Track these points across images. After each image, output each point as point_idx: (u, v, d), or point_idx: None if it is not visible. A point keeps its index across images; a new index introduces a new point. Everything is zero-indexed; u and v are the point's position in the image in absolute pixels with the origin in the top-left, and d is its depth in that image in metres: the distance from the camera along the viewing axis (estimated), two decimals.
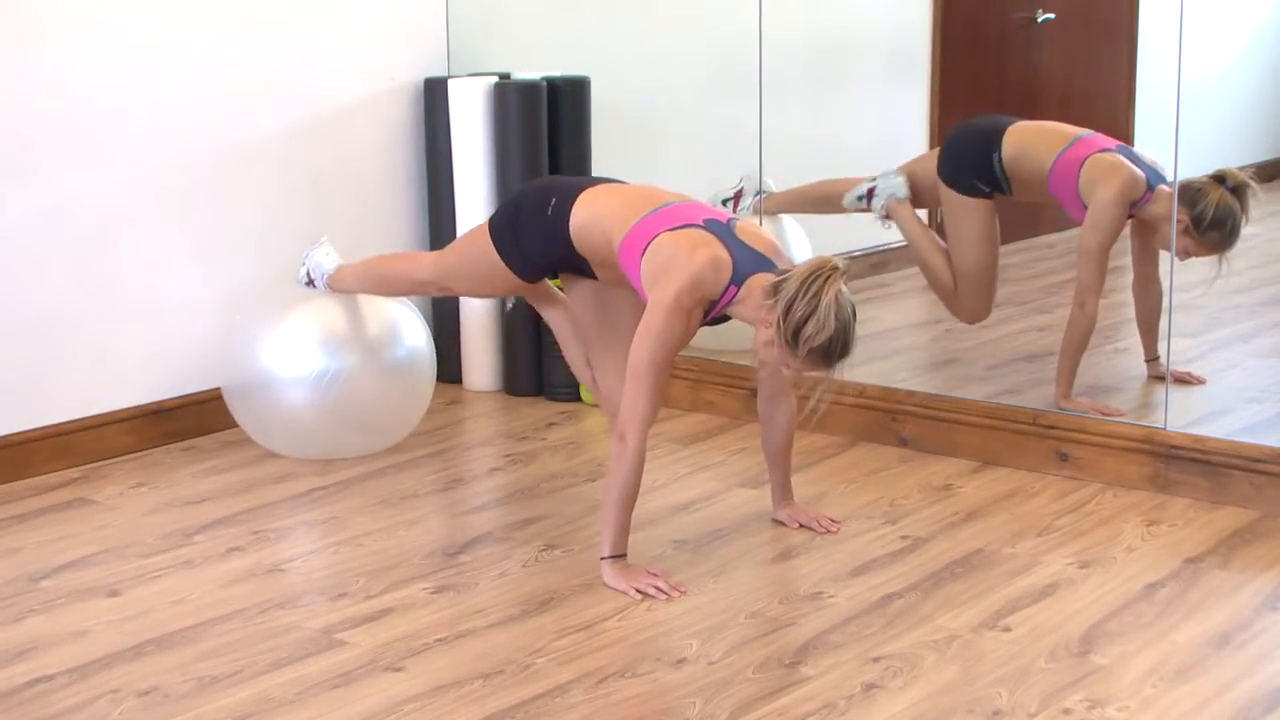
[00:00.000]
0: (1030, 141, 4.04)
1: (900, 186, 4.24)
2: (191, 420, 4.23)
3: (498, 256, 3.43)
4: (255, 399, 3.94)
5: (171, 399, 4.19)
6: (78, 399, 4.00)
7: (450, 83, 4.60)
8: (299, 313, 3.91)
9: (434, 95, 4.64)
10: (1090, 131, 4.00)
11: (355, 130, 4.55)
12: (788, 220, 4.56)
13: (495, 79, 4.58)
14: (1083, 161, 3.92)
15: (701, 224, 3.16)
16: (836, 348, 2.99)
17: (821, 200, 4.47)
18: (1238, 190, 3.83)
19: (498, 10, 4.81)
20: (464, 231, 3.74)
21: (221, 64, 4.21)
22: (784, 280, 3.00)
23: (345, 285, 3.89)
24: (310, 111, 4.43)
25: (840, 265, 2.99)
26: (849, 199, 4.35)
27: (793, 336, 2.97)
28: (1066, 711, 2.60)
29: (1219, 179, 3.83)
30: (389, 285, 3.85)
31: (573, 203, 3.31)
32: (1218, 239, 3.84)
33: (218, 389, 4.23)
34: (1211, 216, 3.80)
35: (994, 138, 4.05)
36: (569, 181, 3.52)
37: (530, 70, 4.64)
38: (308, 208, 4.44)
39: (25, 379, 3.90)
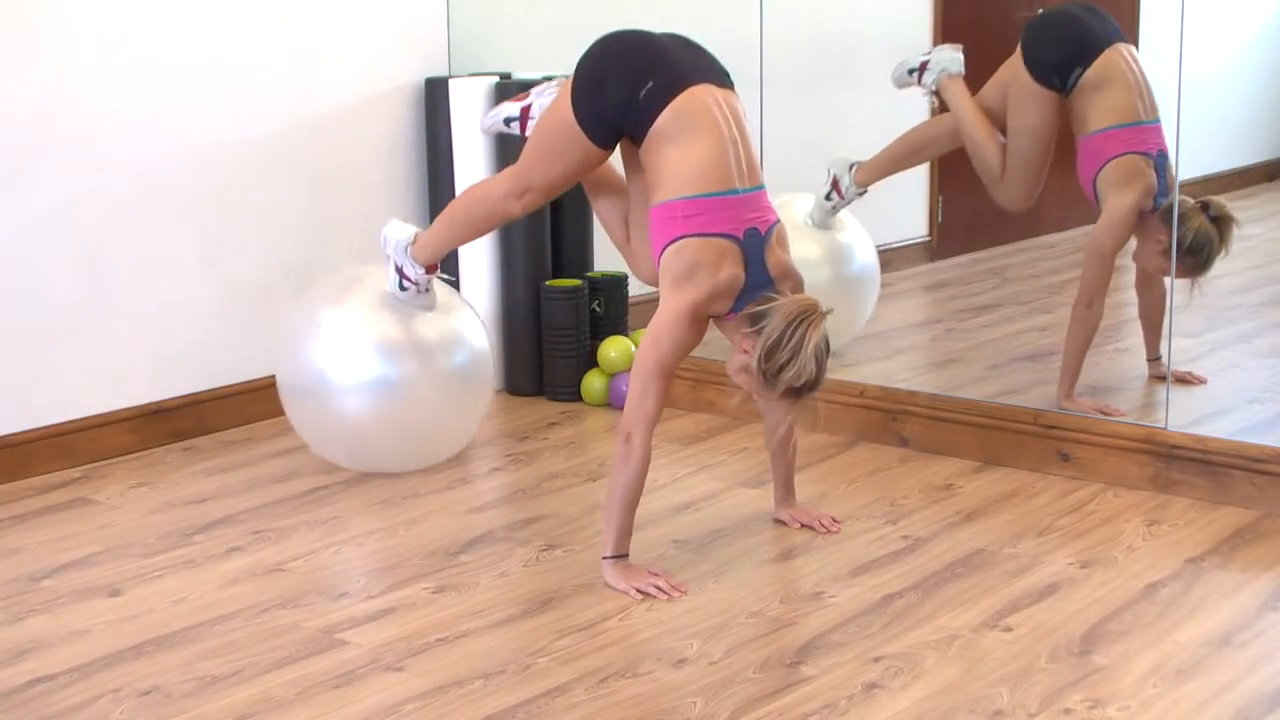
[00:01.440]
0: (1107, 84, 3.90)
1: (955, 62, 4.13)
2: (192, 420, 4.23)
3: (574, 120, 3.22)
4: (316, 402, 3.79)
5: (171, 399, 4.20)
6: (78, 399, 4.01)
7: (451, 83, 4.60)
8: (373, 318, 3.76)
9: (435, 95, 4.64)
10: (1156, 120, 3.90)
11: (356, 130, 4.55)
12: (847, 217, 4.49)
13: (496, 79, 4.59)
14: (1116, 155, 3.89)
15: (740, 237, 3.09)
16: (809, 386, 3.01)
17: (917, 149, 4.37)
18: (1219, 221, 3.84)
19: (498, 10, 4.81)
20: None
21: (223, 64, 4.21)
22: (765, 312, 3.01)
23: (431, 249, 3.67)
24: (311, 112, 4.43)
25: (824, 308, 2.99)
26: (898, 73, 4.23)
27: (773, 376, 2.99)
28: (1067, 711, 2.60)
29: (1203, 206, 3.84)
30: (473, 219, 3.58)
31: (668, 101, 3.12)
32: (1191, 265, 3.85)
33: (218, 389, 4.25)
34: (1190, 243, 3.81)
35: (1088, 54, 3.91)
36: (665, 65, 3.18)
37: (531, 70, 4.64)
38: (309, 208, 4.44)
39: (25, 379, 3.90)
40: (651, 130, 3.14)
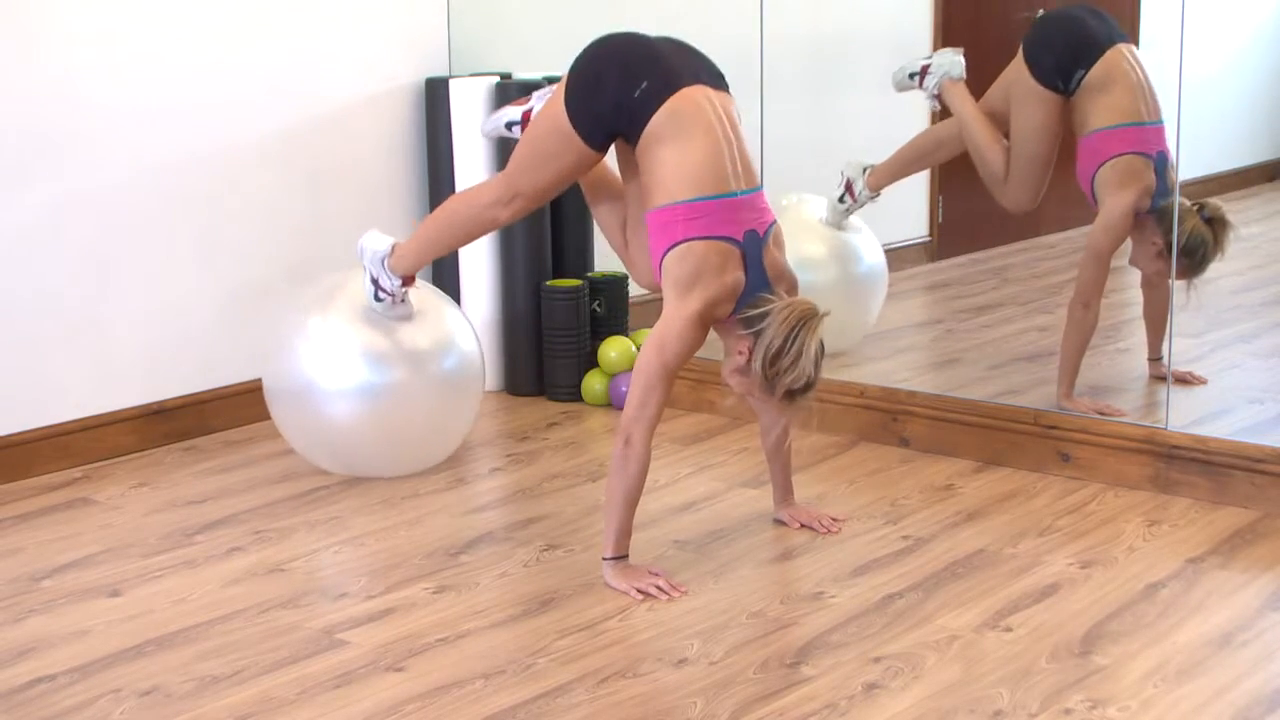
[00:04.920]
0: (1109, 85, 3.91)
1: (957, 65, 4.13)
2: (192, 420, 4.23)
3: (567, 121, 3.20)
4: (301, 406, 3.79)
5: (172, 399, 4.20)
6: (78, 399, 4.01)
7: (451, 83, 4.60)
8: (353, 323, 3.75)
9: (435, 95, 4.64)
10: (1158, 121, 3.90)
11: (357, 130, 4.55)
12: (855, 221, 4.51)
13: (497, 79, 4.59)
14: (1114, 155, 3.89)
15: (740, 239, 3.09)
16: (806, 388, 3.03)
17: (928, 153, 4.38)
18: (1213, 222, 3.84)
19: (499, 10, 4.81)
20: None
21: (223, 65, 4.21)
22: (762, 315, 3.02)
23: (410, 260, 3.64)
24: (312, 112, 4.43)
25: (820, 311, 3.02)
26: (899, 77, 4.23)
27: (774, 380, 3.01)
28: (1068, 712, 2.60)
29: (1199, 208, 3.84)
30: (456, 229, 3.54)
31: (662, 101, 3.11)
32: (1186, 266, 3.85)
33: (218, 389, 4.24)
34: (1184, 244, 3.82)
35: (1090, 55, 3.92)
36: (660, 66, 3.17)
37: (531, 70, 4.64)
38: (309, 208, 4.44)
39: (26, 379, 3.90)
40: (646, 131, 3.13)
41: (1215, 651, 2.82)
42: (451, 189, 4.61)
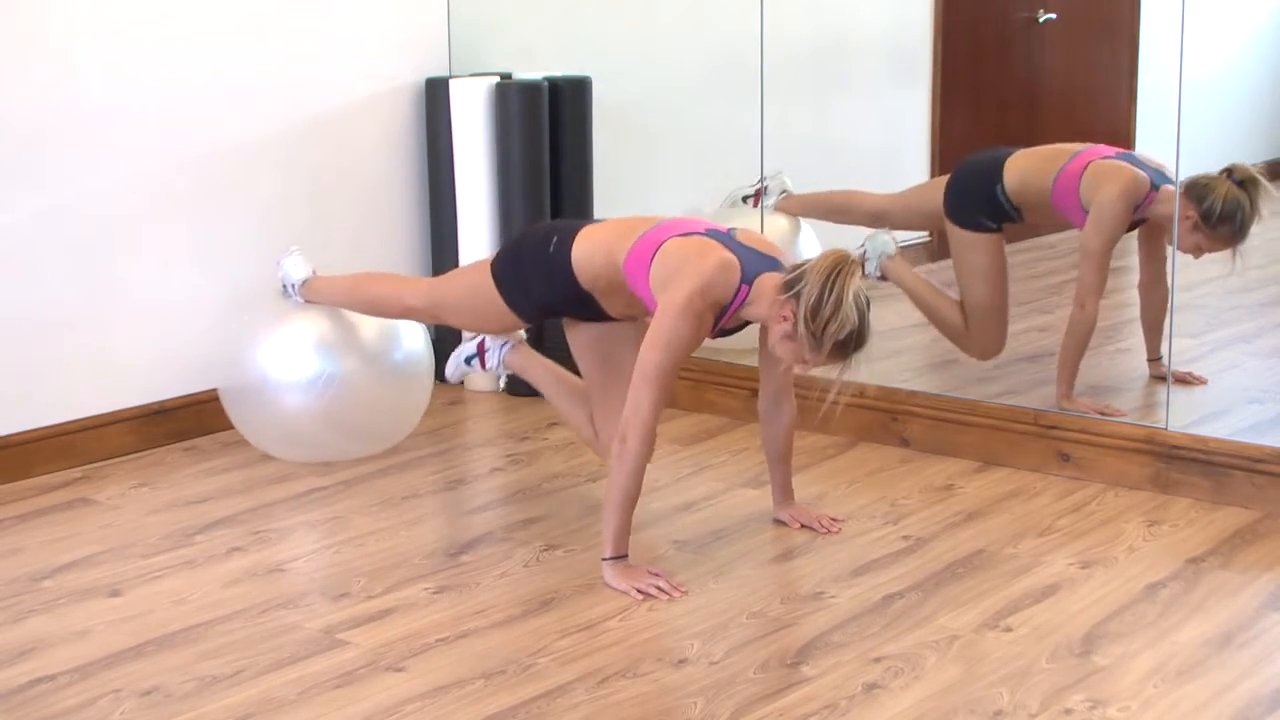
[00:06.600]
0: (1030, 166, 4.02)
1: (888, 244, 4.25)
2: (192, 420, 4.23)
3: (499, 295, 3.42)
4: (252, 402, 3.92)
5: (172, 399, 4.20)
6: (79, 399, 4.01)
7: (452, 83, 4.60)
8: (298, 317, 3.89)
9: (435, 95, 4.64)
10: (1088, 145, 3.99)
11: (357, 130, 4.55)
12: (802, 223, 4.56)
13: (497, 79, 4.59)
14: (1083, 170, 3.92)
15: (703, 233, 3.18)
16: (856, 339, 3.03)
17: (839, 210, 4.46)
18: (1245, 184, 3.83)
19: (499, 10, 4.81)
20: (464, 264, 3.76)
21: (222, 64, 4.21)
22: (800, 276, 3.03)
23: (321, 297, 3.85)
24: (312, 111, 4.43)
25: (855, 256, 3.04)
26: None
27: (820, 334, 3.00)
28: (1068, 712, 2.60)
29: (1227, 173, 3.84)
30: (373, 306, 3.80)
31: (574, 238, 3.32)
32: (1229, 232, 3.83)
33: (218, 389, 4.24)
34: (1220, 210, 3.80)
35: (994, 171, 4.03)
36: (570, 221, 3.52)
37: (532, 70, 4.64)
38: (309, 208, 4.44)
39: (26, 379, 3.90)
40: (575, 270, 3.30)
41: (1215, 651, 2.82)
42: (452, 189, 4.62)
